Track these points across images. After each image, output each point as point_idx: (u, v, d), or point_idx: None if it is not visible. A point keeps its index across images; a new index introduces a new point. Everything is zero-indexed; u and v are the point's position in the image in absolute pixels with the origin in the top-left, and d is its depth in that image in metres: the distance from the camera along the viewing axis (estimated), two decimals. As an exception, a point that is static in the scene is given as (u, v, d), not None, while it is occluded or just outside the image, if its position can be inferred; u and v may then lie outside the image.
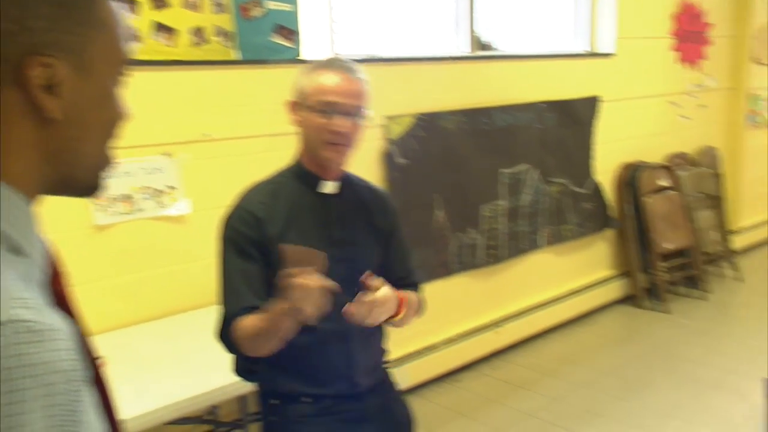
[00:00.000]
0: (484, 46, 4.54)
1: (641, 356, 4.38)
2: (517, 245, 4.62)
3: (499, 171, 4.47)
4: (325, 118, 1.72)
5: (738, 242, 6.31)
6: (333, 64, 1.76)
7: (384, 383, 1.94)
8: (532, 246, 4.71)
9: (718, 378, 4.05)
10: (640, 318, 5.09)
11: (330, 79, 1.73)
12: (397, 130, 3.98)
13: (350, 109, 1.72)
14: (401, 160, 3.99)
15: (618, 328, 4.96)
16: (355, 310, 1.65)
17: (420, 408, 3.70)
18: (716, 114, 6.38)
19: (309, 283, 1.49)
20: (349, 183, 1.89)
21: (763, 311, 5.09)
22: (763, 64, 6.45)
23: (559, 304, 4.92)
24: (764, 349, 4.35)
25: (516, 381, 4.16)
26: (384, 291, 1.68)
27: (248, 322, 1.67)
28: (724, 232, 5.92)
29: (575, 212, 4.97)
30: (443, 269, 4.23)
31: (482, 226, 4.38)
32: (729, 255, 5.94)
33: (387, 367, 1.97)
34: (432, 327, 4.20)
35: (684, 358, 4.32)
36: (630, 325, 5.00)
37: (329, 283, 1.53)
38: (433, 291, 3.95)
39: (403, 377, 3.83)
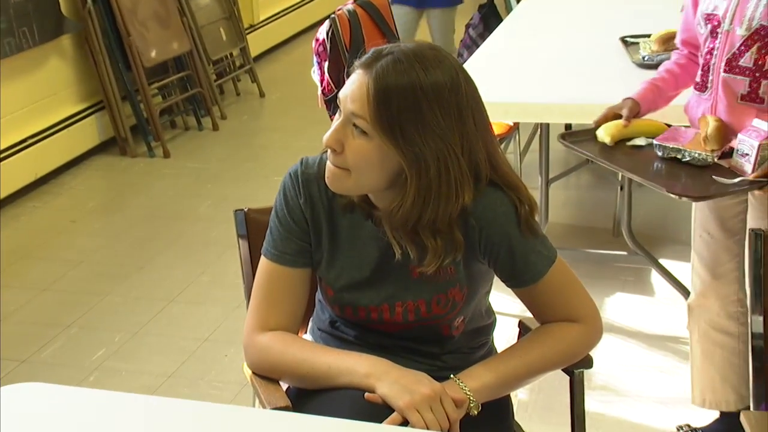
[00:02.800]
0: None
1: (132, 226, 3.87)
2: None
3: None
4: None
5: (255, 44, 5.58)
6: None
7: None
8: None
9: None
10: (128, 170, 4.39)
11: None
12: None
13: None
14: None
15: (95, 193, 4.28)
16: None
17: None
18: None
19: None
20: None
21: (286, 134, 4.64)
22: None
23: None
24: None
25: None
26: None
27: None
28: (237, 29, 5.16)
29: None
30: None
31: None
32: (245, 62, 5.28)
33: None
34: None
35: (192, 216, 3.88)
36: (114, 184, 4.34)
37: None
38: None
39: None
